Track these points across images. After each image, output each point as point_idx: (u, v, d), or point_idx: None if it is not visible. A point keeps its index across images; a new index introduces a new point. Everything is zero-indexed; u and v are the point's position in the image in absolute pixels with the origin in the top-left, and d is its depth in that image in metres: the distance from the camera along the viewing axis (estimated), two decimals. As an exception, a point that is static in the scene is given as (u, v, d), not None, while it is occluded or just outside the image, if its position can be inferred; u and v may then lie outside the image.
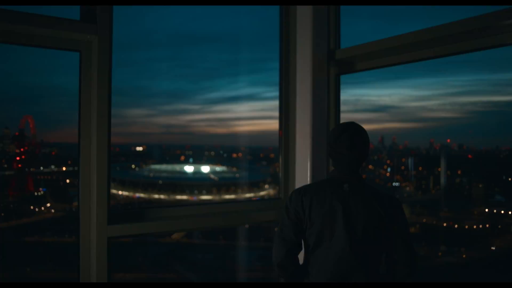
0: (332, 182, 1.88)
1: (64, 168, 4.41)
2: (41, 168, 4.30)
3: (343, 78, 2.92)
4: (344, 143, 1.82)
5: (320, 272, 1.80)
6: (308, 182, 2.83)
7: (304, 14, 2.84)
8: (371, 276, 1.78)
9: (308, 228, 1.84)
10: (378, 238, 1.78)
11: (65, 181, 4.49)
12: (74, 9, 2.25)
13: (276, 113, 3.01)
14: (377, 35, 2.49)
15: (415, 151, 4.25)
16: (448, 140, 4.04)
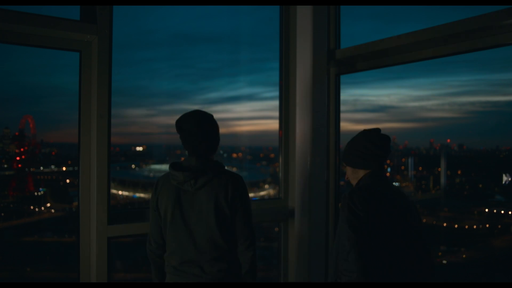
0: (391, 188, 1.83)
1: (64, 168, 4.41)
2: (41, 168, 4.29)
3: (342, 78, 2.92)
4: (386, 145, 1.84)
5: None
6: (308, 182, 2.83)
7: (304, 14, 2.84)
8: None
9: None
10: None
11: (65, 181, 4.48)
12: (74, 9, 2.25)
13: (276, 113, 3.01)
14: (377, 35, 2.49)
15: (415, 151, 4.25)
16: (448, 140, 4.04)
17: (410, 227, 1.77)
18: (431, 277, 1.79)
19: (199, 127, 1.86)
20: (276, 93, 3.00)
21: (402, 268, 1.70)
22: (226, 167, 1.96)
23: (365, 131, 1.88)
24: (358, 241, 1.59)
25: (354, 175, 1.89)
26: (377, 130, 1.87)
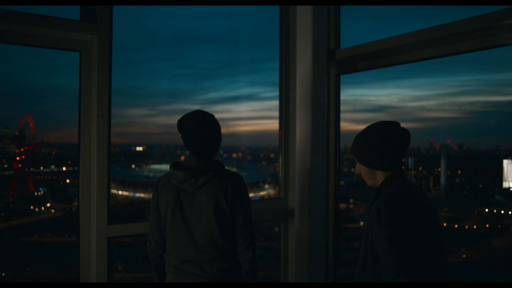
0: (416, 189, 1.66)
1: (64, 168, 4.41)
2: (41, 168, 4.30)
3: (341, 78, 2.92)
4: (408, 142, 1.67)
5: None
6: (308, 182, 2.83)
7: (304, 14, 2.84)
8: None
9: None
10: None
11: (65, 181, 4.48)
12: (74, 9, 2.25)
13: (276, 113, 3.01)
14: (377, 35, 2.49)
15: (415, 151, 4.25)
16: (448, 141, 4.04)
17: (438, 229, 1.62)
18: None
19: (200, 127, 1.86)
20: (276, 93, 3.00)
21: (439, 275, 1.58)
22: (226, 167, 1.96)
23: (384, 125, 1.63)
24: (406, 263, 1.42)
25: (371, 176, 1.68)
26: (397, 124, 1.64)
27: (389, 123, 1.64)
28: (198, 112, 1.92)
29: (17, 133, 3.91)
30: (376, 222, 1.47)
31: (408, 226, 1.47)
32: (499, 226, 3.67)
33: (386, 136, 1.60)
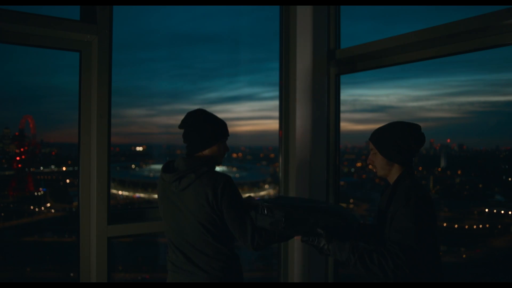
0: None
1: (64, 168, 4.41)
2: (41, 168, 4.29)
3: (341, 78, 2.92)
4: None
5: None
6: (308, 182, 2.83)
7: (304, 14, 2.84)
8: None
9: None
10: None
11: (65, 181, 4.48)
12: (74, 9, 2.25)
13: (276, 113, 3.01)
14: (377, 35, 2.49)
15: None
16: (448, 140, 4.04)
17: None
18: None
19: (187, 124, 1.89)
20: (276, 93, 3.00)
21: (438, 259, 1.80)
22: (221, 168, 1.95)
23: (408, 126, 1.80)
24: (423, 237, 1.63)
25: (386, 167, 1.83)
26: (419, 127, 1.82)
27: (412, 125, 1.81)
28: (192, 110, 1.93)
29: (17, 133, 3.92)
30: (404, 207, 1.65)
31: (429, 217, 1.67)
32: (499, 226, 3.67)
33: (409, 135, 1.77)
